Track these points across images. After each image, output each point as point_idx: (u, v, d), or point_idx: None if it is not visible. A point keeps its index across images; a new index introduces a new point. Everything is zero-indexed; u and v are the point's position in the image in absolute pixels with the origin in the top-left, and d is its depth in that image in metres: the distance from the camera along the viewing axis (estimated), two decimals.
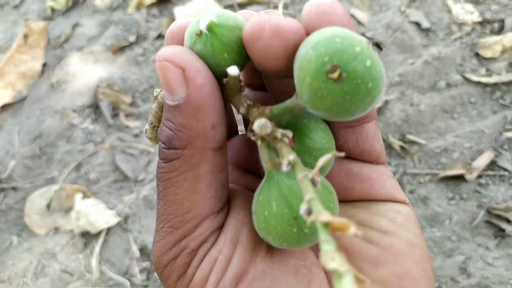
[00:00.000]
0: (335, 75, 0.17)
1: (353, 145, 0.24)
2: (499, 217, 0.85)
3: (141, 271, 0.87)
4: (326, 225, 0.15)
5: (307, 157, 0.22)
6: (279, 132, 0.20)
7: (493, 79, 0.99)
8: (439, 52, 1.02)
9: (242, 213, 0.23)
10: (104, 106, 1.04)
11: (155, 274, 0.86)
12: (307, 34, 0.20)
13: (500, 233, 0.83)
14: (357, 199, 0.24)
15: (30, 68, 1.09)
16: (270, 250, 0.23)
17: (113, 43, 1.13)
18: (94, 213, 0.92)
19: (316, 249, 0.23)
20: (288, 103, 0.20)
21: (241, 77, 0.23)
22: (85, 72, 1.10)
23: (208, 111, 0.20)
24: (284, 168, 0.18)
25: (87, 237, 0.91)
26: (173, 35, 0.22)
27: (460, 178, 0.89)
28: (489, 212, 0.85)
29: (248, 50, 0.20)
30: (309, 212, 0.16)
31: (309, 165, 0.22)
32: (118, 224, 0.92)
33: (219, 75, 0.21)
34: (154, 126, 0.24)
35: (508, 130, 0.93)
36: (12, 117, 1.06)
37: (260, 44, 0.19)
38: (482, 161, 0.90)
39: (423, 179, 0.90)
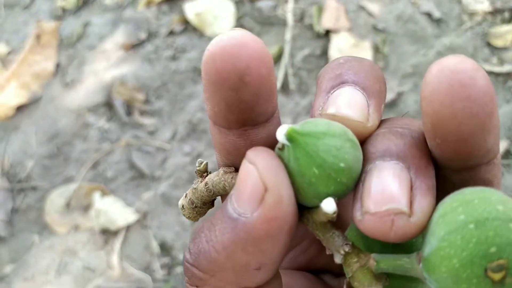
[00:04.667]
0: (497, 276, 0.13)
1: None
2: None
3: (161, 266, 0.88)
4: None
5: None
6: None
7: (505, 68, 1.00)
8: (451, 42, 1.02)
9: None
10: (118, 104, 1.05)
11: (176, 269, 0.88)
12: (431, 108, 0.15)
13: None
14: None
15: (44, 68, 1.10)
16: None
17: (125, 41, 1.13)
18: (113, 211, 0.94)
19: None
20: (404, 262, 0.16)
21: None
22: (98, 71, 1.11)
23: (263, 250, 0.16)
24: None
25: (107, 234, 0.93)
26: (215, 58, 0.16)
27: None
28: None
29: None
30: None
31: None
32: (137, 221, 0.93)
33: (311, 198, 0.17)
34: (196, 206, 0.21)
35: None
36: (28, 118, 1.07)
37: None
38: None
39: None
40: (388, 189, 0.15)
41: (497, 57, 1.01)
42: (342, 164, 0.16)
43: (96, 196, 0.95)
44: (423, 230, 0.15)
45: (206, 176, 0.20)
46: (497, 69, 1.00)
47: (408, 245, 0.17)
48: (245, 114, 0.17)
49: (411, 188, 0.16)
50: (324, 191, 0.16)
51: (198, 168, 0.20)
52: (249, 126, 0.18)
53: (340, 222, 0.18)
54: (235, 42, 0.16)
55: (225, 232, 0.16)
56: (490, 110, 0.15)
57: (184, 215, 0.21)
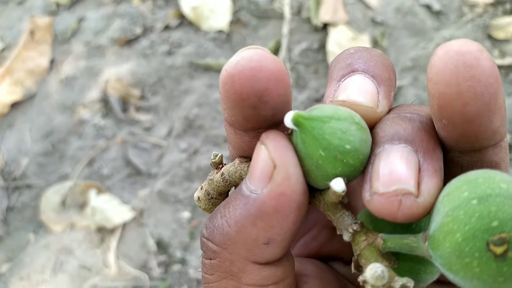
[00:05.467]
0: (499, 249, 0.13)
1: None
2: None
3: (158, 264, 0.87)
4: None
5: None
6: (399, 283, 0.16)
7: (507, 60, 0.98)
8: (451, 35, 1.01)
9: None
10: (114, 100, 1.04)
11: (173, 267, 0.87)
12: (436, 90, 0.15)
13: None
14: None
15: (38, 64, 1.08)
16: None
17: (120, 37, 1.12)
18: (109, 209, 0.93)
19: None
20: (410, 241, 0.16)
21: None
22: (93, 66, 1.09)
23: (271, 225, 0.17)
24: None
25: (104, 232, 0.92)
26: (234, 80, 0.16)
27: None
28: None
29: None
30: None
31: None
32: (134, 218, 0.92)
33: (320, 179, 0.17)
34: (212, 198, 0.21)
35: None
36: (22, 115, 1.06)
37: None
38: None
39: None
40: (396, 171, 0.16)
41: (499, 50, 0.99)
42: (347, 146, 0.17)
43: (92, 194, 0.94)
44: (430, 211, 0.16)
45: (221, 168, 0.21)
46: (499, 61, 0.98)
47: (417, 228, 0.18)
48: (262, 123, 0.18)
49: (419, 170, 0.16)
50: (332, 172, 0.17)
51: (213, 160, 0.21)
52: (264, 129, 0.18)
53: (352, 211, 0.18)
54: (254, 65, 0.16)
55: (237, 207, 0.17)
56: (494, 90, 0.15)
57: (200, 206, 0.22)
